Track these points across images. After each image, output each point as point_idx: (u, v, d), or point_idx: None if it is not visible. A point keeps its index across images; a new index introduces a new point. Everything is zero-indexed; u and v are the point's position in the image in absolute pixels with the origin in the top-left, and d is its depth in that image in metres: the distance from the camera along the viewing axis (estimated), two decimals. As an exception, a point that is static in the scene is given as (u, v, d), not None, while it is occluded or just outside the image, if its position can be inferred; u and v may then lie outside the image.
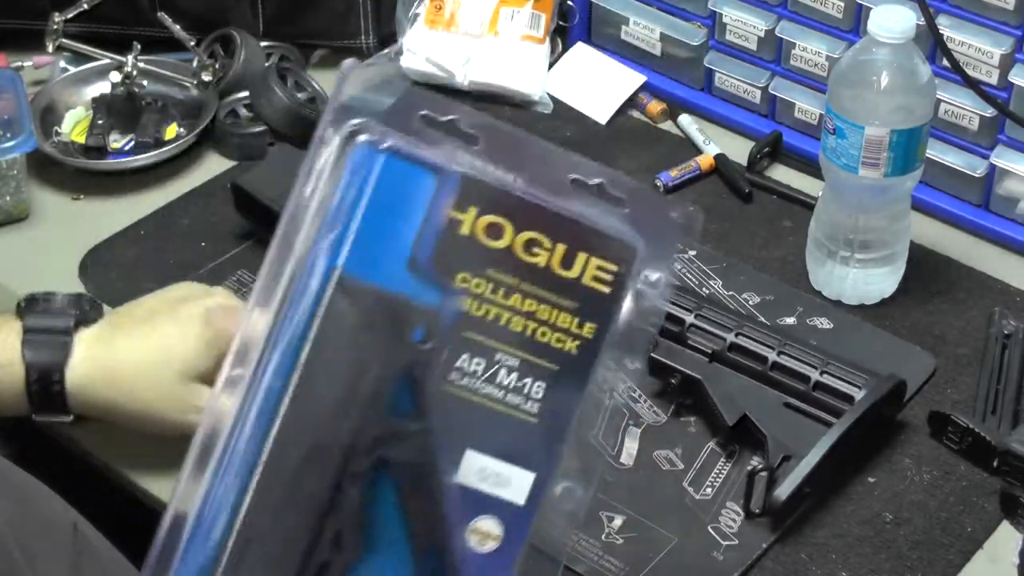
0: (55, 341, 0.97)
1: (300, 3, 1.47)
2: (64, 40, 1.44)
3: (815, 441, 1.02)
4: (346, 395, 0.75)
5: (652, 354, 1.11)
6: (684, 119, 1.41)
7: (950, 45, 1.20)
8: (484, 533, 0.77)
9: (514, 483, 0.78)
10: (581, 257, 0.78)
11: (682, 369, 1.09)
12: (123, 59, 1.40)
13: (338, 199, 0.76)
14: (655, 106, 1.43)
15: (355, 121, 0.76)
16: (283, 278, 0.76)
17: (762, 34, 1.35)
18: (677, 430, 1.10)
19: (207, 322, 0.96)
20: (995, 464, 1.05)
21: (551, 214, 0.78)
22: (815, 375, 1.07)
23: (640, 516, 1.02)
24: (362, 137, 0.76)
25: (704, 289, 1.22)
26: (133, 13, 1.46)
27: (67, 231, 1.29)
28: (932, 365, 1.15)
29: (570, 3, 1.46)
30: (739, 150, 1.37)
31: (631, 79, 1.44)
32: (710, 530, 1.02)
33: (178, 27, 1.44)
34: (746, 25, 1.36)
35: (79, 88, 1.42)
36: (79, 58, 1.45)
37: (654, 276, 0.79)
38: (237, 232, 1.28)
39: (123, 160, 1.35)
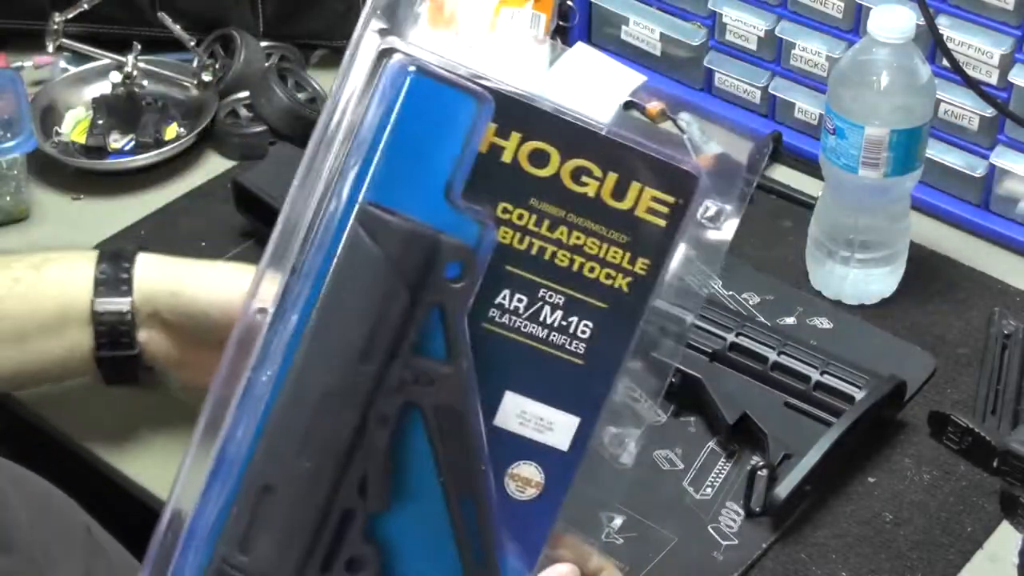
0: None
1: (300, 3, 1.47)
2: (64, 40, 1.44)
3: (815, 441, 1.02)
4: (369, 333, 0.70)
5: (652, 353, 1.11)
6: (684, 119, 1.41)
7: (950, 45, 1.20)
8: (524, 480, 0.74)
9: (557, 428, 0.74)
10: (635, 187, 0.73)
11: (682, 369, 1.09)
12: (123, 59, 1.40)
13: (366, 123, 0.71)
14: (655, 106, 1.42)
15: (389, 39, 0.72)
16: (308, 212, 0.72)
17: (762, 34, 1.35)
18: (677, 430, 1.10)
19: None
20: (995, 464, 1.05)
21: (602, 140, 0.73)
22: (815, 375, 1.07)
23: (640, 516, 1.02)
24: (395, 57, 0.71)
25: (704, 289, 1.22)
26: (133, 13, 1.46)
27: (67, 231, 1.29)
28: (932, 365, 1.15)
29: (570, 3, 1.46)
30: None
31: (631, 79, 1.44)
32: (710, 530, 1.02)
33: (178, 27, 1.44)
34: (746, 25, 1.36)
35: (79, 88, 1.42)
36: (79, 58, 1.45)
37: (715, 209, 0.75)
38: (237, 232, 1.28)
39: (123, 160, 1.35)
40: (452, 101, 0.71)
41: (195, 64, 1.42)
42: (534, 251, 0.73)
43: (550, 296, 0.73)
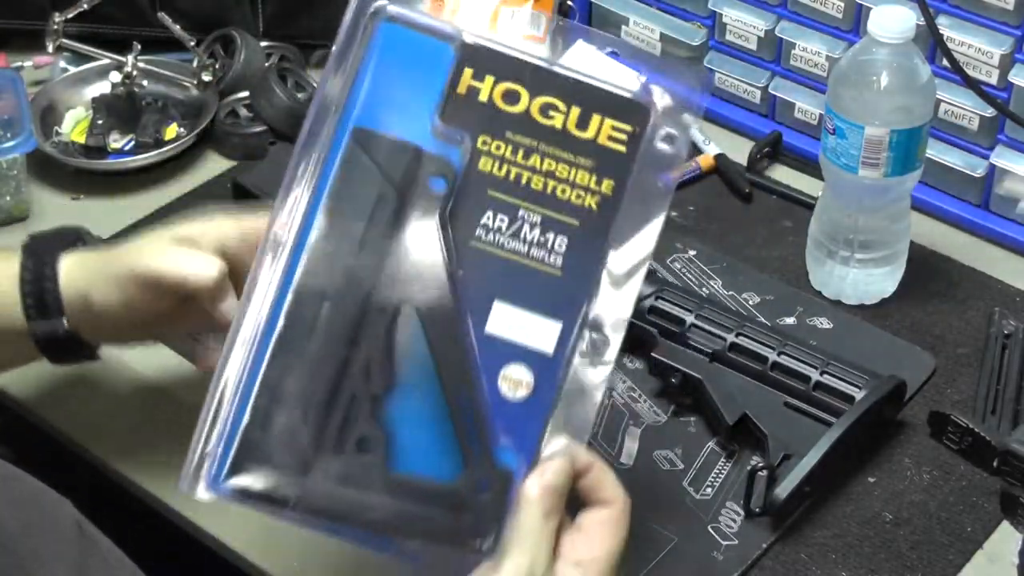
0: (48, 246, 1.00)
1: (300, 3, 1.47)
2: (64, 40, 1.44)
3: (815, 441, 1.02)
4: (363, 236, 0.81)
5: (652, 354, 1.11)
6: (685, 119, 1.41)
7: (950, 45, 1.20)
8: (515, 381, 0.82)
9: (541, 333, 0.82)
10: (596, 118, 0.84)
11: (682, 369, 1.09)
12: (123, 59, 1.40)
13: (357, 68, 0.84)
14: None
15: (377, 3, 0.85)
16: (312, 156, 0.83)
17: (762, 34, 1.35)
18: (677, 430, 1.10)
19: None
20: (995, 464, 1.05)
21: (564, 79, 0.84)
22: (815, 375, 1.07)
23: (640, 516, 1.02)
24: (380, 12, 0.85)
25: (704, 289, 1.22)
26: (133, 13, 1.46)
27: (67, 231, 1.29)
28: (932, 365, 1.15)
29: (570, 3, 1.46)
30: (739, 150, 1.37)
31: (631, 79, 1.44)
32: (710, 530, 1.02)
33: (178, 27, 1.44)
34: (746, 25, 1.36)
35: (79, 88, 1.42)
36: (79, 58, 1.45)
37: (670, 132, 0.85)
38: (237, 232, 1.28)
39: (123, 160, 1.36)
40: (432, 47, 0.84)
41: (195, 64, 1.42)
42: (512, 177, 0.83)
43: (528, 216, 0.83)
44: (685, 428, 1.10)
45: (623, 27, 1.44)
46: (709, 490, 1.05)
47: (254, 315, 0.81)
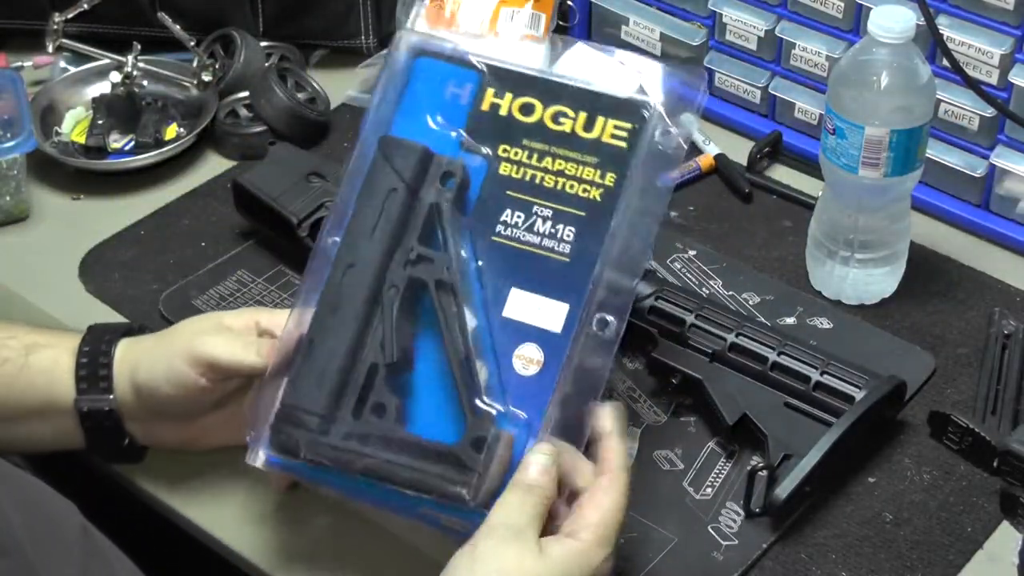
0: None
1: (300, 3, 1.47)
2: (64, 40, 1.44)
3: (815, 441, 1.02)
4: (378, 216, 0.93)
5: (652, 354, 1.11)
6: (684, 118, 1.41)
7: (950, 45, 1.20)
8: (527, 358, 0.91)
9: (551, 313, 0.92)
10: (600, 120, 0.95)
11: (682, 369, 1.09)
12: (123, 59, 1.40)
13: (397, 97, 0.98)
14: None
15: (413, 40, 0.99)
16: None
17: (762, 34, 1.35)
18: (677, 430, 1.10)
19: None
20: (995, 464, 1.05)
21: (573, 88, 0.96)
22: (815, 375, 1.07)
23: (640, 516, 1.02)
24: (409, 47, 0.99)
25: (704, 289, 1.22)
26: (133, 13, 1.46)
27: (67, 231, 1.29)
28: (932, 365, 1.15)
29: (570, 3, 1.46)
30: (739, 150, 1.37)
31: (631, 79, 1.44)
32: (710, 530, 1.02)
33: (178, 27, 1.44)
34: (746, 25, 1.36)
35: (79, 88, 1.42)
36: (79, 58, 1.45)
37: (668, 130, 0.94)
38: (237, 232, 1.28)
39: (123, 160, 1.36)
40: (460, 75, 0.97)
41: (195, 64, 1.42)
42: (527, 178, 0.95)
43: (541, 211, 0.94)
44: (685, 428, 1.10)
45: (623, 27, 1.44)
46: (709, 490, 1.05)
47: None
